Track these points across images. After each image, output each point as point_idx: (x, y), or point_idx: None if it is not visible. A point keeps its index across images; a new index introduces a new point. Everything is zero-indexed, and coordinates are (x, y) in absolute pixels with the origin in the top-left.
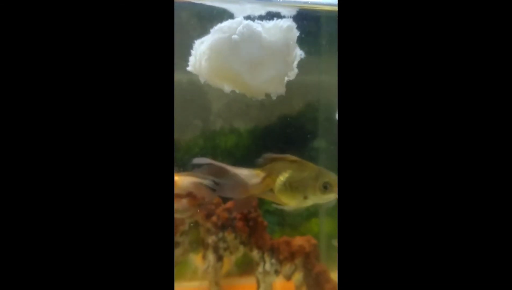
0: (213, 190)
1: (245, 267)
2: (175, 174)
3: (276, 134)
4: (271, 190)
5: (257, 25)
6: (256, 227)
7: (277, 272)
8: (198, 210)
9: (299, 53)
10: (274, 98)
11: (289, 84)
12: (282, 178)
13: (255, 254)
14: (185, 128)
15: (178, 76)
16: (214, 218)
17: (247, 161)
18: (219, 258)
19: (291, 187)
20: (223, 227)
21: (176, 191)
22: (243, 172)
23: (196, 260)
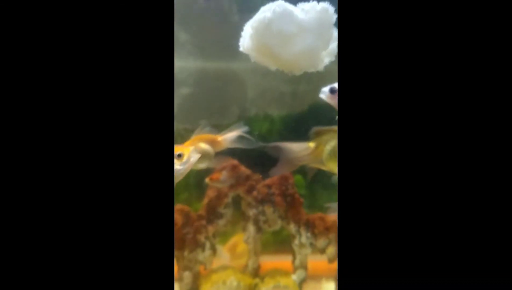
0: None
1: (281, 245)
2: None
3: (307, 121)
4: (322, 160)
5: (291, 5)
6: (293, 203)
7: (312, 245)
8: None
9: (335, 35)
10: (309, 71)
11: (321, 73)
12: (328, 147)
13: (292, 227)
14: (223, 114)
15: (217, 65)
16: (254, 193)
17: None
18: (259, 230)
19: (334, 154)
20: (262, 201)
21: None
22: (294, 146)
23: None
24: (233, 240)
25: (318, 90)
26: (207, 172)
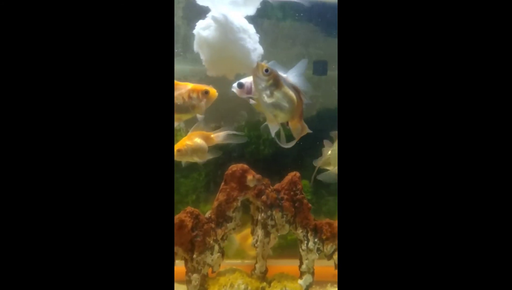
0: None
1: (289, 250)
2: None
3: (315, 126)
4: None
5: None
6: (301, 208)
7: (319, 251)
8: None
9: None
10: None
11: (331, 79)
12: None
13: (299, 232)
14: (232, 118)
15: None
16: (263, 197)
17: (287, 150)
18: (267, 234)
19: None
20: (271, 206)
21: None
22: None
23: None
24: (247, 231)
25: (326, 96)
26: (214, 175)
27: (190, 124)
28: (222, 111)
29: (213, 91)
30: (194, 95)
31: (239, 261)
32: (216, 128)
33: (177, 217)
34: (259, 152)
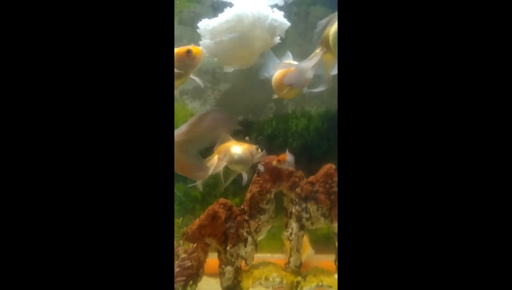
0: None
1: (324, 245)
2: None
3: None
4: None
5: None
6: (337, 201)
7: None
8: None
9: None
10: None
11: None
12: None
13: (336, 226)
14: (260, 110)
15: (256, 62)
16: (298, 190)
17: (317, 143)
18: (301, 227)
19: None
20: (306, 199)
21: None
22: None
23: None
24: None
25: None
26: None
27: None
28: (250, 103)
29: (196, 49)
30: (177, 59)
31: (268, 254)
32: (244, 121)
33: (210, 208)
34: (287, 145)
